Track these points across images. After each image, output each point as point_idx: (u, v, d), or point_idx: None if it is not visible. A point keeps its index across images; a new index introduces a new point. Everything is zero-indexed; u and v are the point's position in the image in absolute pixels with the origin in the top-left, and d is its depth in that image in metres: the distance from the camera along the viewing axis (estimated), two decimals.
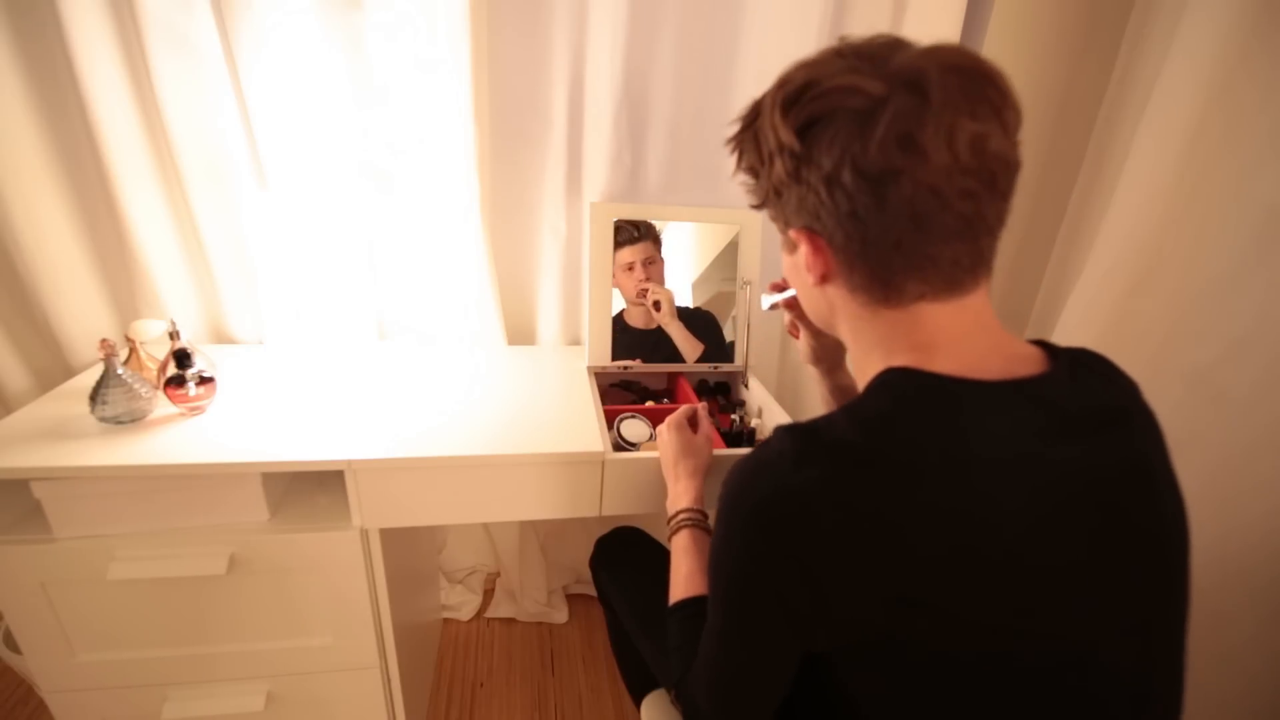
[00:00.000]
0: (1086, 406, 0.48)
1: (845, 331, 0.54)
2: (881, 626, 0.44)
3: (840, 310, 0.53)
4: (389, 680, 1.01)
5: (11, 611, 0.85)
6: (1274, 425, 0.91)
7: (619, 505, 0.94)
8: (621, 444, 1.03)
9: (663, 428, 0.86)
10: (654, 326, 1.19)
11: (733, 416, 1.12)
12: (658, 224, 1.17)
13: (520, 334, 1.32)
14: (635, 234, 1.15)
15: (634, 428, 1.06)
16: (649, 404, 1.16)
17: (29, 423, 0.87)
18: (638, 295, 1.18)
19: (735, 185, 0.56)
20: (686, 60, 1.11)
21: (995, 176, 0.43)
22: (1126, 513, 0.46)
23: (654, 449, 1.03)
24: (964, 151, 0.41)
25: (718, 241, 1.19)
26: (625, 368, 1.19)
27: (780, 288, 0.78)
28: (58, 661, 0.88)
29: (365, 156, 1.13)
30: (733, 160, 0.53)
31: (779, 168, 0.47)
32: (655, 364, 1.20)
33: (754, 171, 0.52)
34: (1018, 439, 0.45)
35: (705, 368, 1.23)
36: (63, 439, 0.83)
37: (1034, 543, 0.44)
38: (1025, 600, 0.44)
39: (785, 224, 0.52)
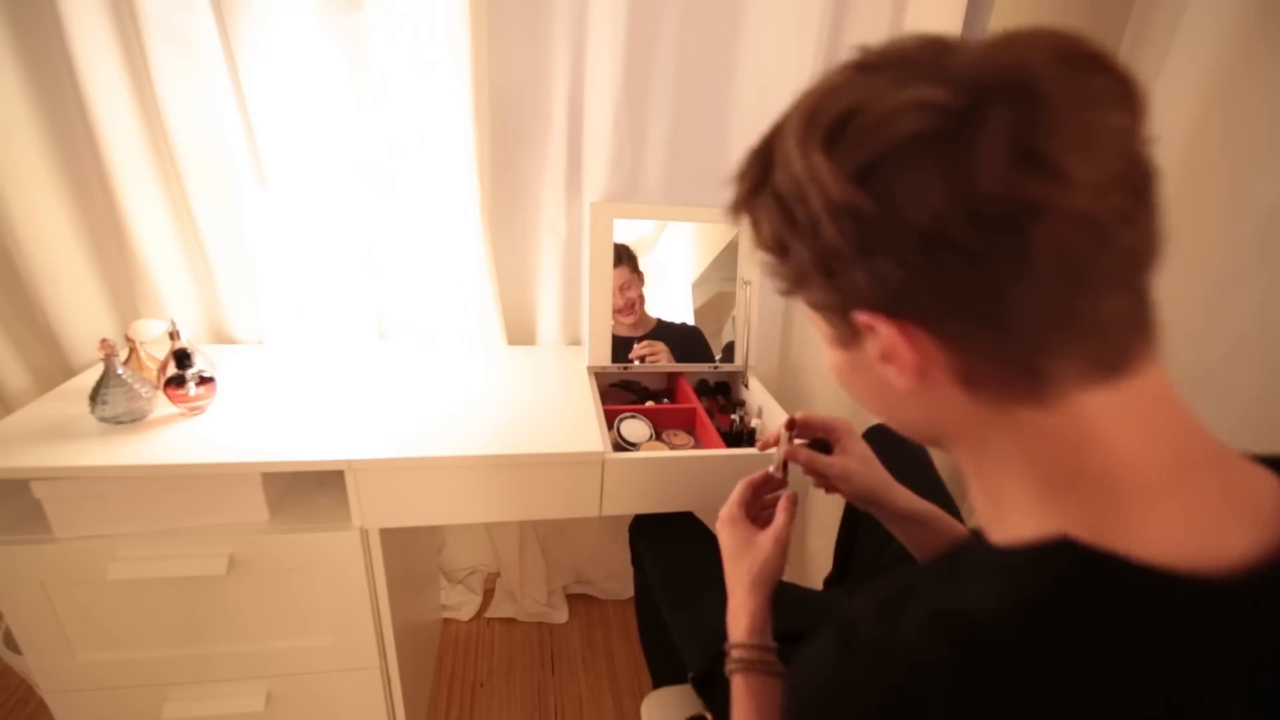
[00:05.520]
0: None
1: (963, 448, 0.38)
2: None
3: (951, 416, 0.36)
4: (389, 680, 1.01)
5: (11, 611, 0.85)
6: (1275, 425, 0.91)
7: (619, 505, 0.94)
8: (621, 444, 1.03)
9: (718, 523, 0.67)
10: (639, 334, 1.20)
11: (733, 416, 1.12)
12: (656, 222, 1.17)
13: (520, 334, 1.32)
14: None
15: (634, 428, 1.06)
16: (649, 404, 1.16)
17: (29, 423, 0.87)
18: (632, 298, 1.19)
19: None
20: (687, 59, 1.11)
21: (1144, 185, 0.31)
22: None
23: (654, 449, 1.03)
24: (1112, 158, 0.29)
25: (718, 241, 1.19)
26: (625, 368, 1.19)
27: (770, 444, 0.70)
28: (58, 661, 0.88)
29: (365, 156, 1.12)
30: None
31: (831, 237, 0.32)
32: (655, 364, 1.21)
33: (780, 246, 0.36)
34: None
35: (705, 368, 1.24)
36: (63, 439, 0.83)
37: None
38: None
39: (841, 310, 0.35)
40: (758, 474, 0.69)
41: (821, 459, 0.68)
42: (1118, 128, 0.30)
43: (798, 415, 0.70)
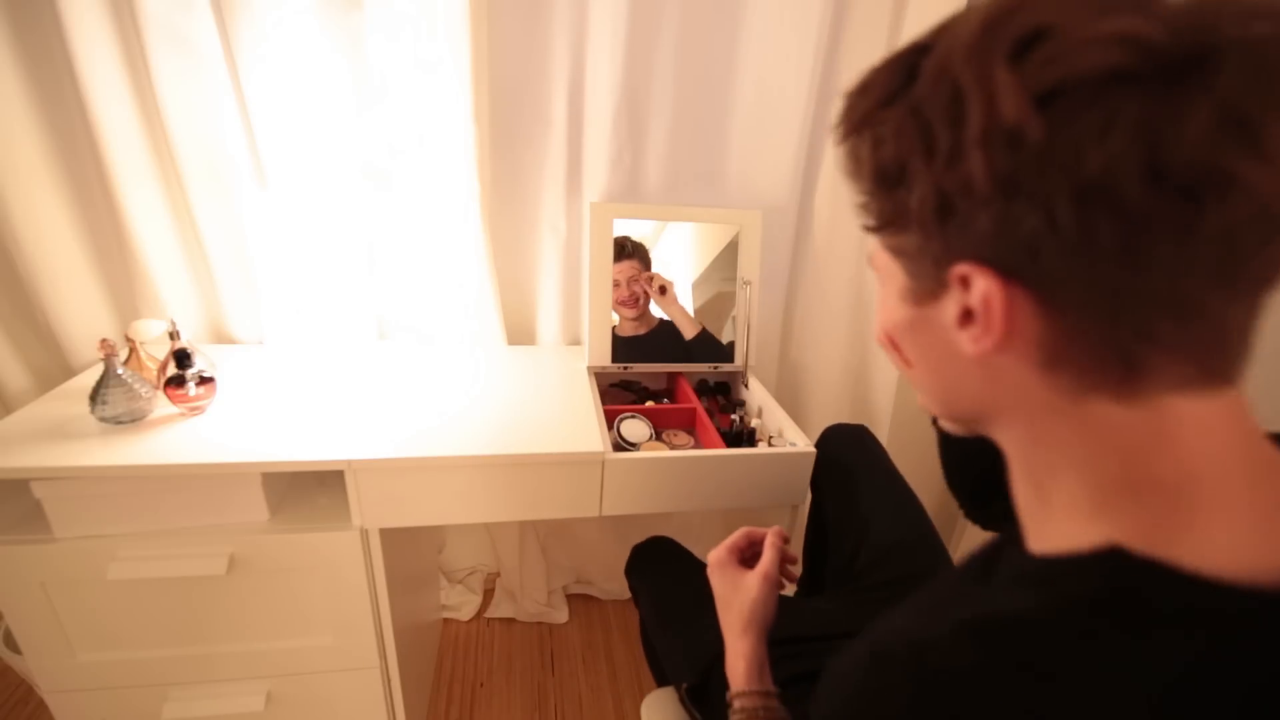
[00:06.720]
0: None
1: (1014, 434, 0.35)
2: None
3: (1013, 397, 0.33)
4: (389, 680, 1.01)
5: (11, 611, 0.85)
6: (1275, 424, 0.91)
7: (619, 505, 0.94)
8: (621, 444, 1.03)
9: (708, 569, 0.69)
10: (643, 332, 1.20)
11: (733, 416, 1.12)
12: (656, 222, 1.17)
13: (520, 334, 1.32)
14: (624, 251, 1.16)
15: (634, 428, 1.06)
16: (649, 404, 1.16)
17: (29, 423, 0.87)
18: (638, 293, 1.18)
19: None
20: (686, 60, 1.11)
21: None
22: None
23: (654, 449, 1.03)
24: None
25: (718, 241, 1.19)
26: (625, 368, 1.19)
27: None
28: (58, 661, 0.88)
29: (365, 156, 1.13)
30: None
31: (973, 168, 0.28)
32: (655, 364, 1.21)
33: (893, 174, 0.31)
34: None
35: (705, 368, 1.24)
36: (63, 439, 0.84)
37: None
38: None
39: (936, 259, 0.32)
40: (760, 530, 0.69)
41: None
42: None
43: None
